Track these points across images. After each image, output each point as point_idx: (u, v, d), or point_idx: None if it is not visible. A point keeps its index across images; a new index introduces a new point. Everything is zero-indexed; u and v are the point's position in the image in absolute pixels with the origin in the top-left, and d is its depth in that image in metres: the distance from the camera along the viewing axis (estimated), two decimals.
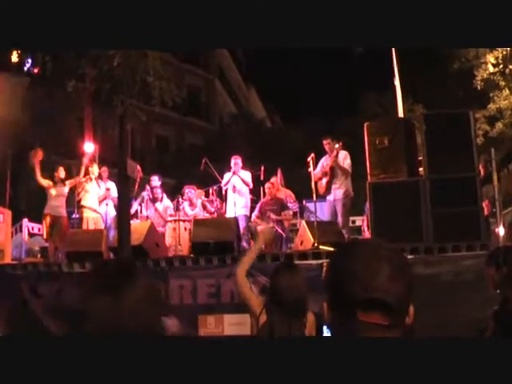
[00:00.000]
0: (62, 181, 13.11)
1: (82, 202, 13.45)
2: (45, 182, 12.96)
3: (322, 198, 12.26)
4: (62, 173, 13.09)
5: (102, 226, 13.06)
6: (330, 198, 11.93)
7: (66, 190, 13.18)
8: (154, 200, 13.66)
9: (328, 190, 11.90)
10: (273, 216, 12.67)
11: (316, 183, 11.76)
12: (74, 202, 13.77)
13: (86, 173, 13.61)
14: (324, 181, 11.94)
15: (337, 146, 11.91)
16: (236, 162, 13.04)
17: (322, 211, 12.41)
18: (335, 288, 1.71)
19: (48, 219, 12.81)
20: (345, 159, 11.91)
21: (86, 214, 13.35)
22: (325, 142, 12.15)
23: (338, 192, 11.81)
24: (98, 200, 13.54)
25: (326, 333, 4.51)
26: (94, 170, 13.77)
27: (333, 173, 11.86)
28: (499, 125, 24.61)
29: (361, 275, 1.64)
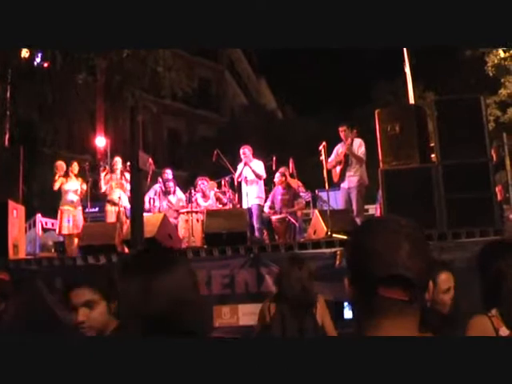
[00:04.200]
0: (76, 176, 13.13)
1: (109, 197, 13.43)
2: (57, 185, 13.01)
3: (334, 186, 12.23)
4: (75, 168, 13.11)
5: (123, 218, 12.98)
6: (344, 185, 11.92)
7: (78, 184, 13.16)
8: (166, 193, 13.65)
9: (342, 177, 11.89)
10: (285, 208, 12.64)
11: (329, 171, 11.74)
12: (87, 196, 13.75)
13: (111, 169, 13.59)
14: (338, 168, 11.94)
15: (352, 133, 11.91)
16: (244, 151, 12.80)
17: (335, 200, 12.39)
18: (357, 265, 1.75)
19: (63, 214, 12.84)
20: (359, 147, 11.91)
21: (110, 207, 13.35)
22: (341, 129, 12.16)
23: (352, 179, 11.81)
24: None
25: (348, 310, 4.53)
26: (118, 164, 13.71)
27: (347, 160, 11.85)
28: (511, 110, 24.52)
29: (382, 252, 1.68)
